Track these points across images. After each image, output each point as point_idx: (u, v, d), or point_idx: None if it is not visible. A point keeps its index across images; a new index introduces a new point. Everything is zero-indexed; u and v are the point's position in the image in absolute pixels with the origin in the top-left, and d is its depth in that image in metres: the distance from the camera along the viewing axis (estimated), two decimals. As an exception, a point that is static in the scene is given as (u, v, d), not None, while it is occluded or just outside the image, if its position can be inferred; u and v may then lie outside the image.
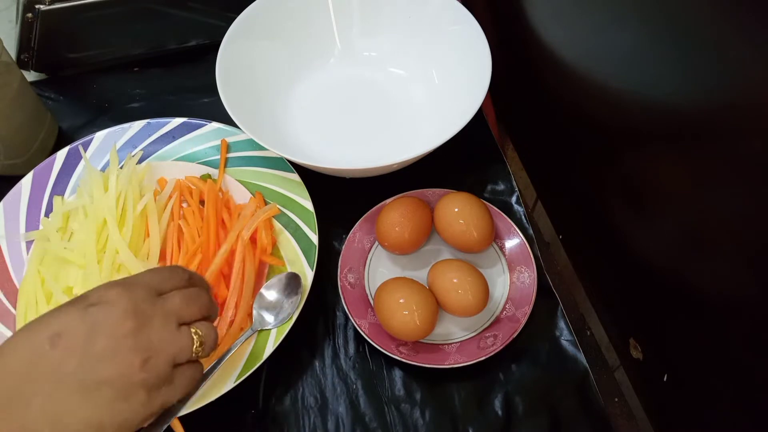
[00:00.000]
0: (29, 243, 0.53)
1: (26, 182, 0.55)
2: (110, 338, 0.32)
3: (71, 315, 0.32)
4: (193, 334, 0.35)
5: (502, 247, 0.53)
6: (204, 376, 0.41)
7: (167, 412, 0.37)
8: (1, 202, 0.54)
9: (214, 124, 0.58)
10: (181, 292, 0.36)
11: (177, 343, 0.34)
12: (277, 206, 0.53)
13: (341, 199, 0.56)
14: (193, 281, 0.38)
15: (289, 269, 0.50)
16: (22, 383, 0.31)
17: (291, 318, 0.47)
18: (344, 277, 0.51)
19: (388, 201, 0.54)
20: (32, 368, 0.31)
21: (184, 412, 0.42)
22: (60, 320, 0.32)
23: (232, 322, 0.47)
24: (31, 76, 0.66)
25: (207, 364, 0.42)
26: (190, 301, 0.36)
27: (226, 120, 0.53)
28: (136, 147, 0.57)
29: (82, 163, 0.56)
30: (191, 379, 0.35)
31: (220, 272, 0.50)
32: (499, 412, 0.47)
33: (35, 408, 0.30)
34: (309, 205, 0.52)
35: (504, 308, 0.50)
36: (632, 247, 0.47)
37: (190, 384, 0.35)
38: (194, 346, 0.35)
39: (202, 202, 0.54)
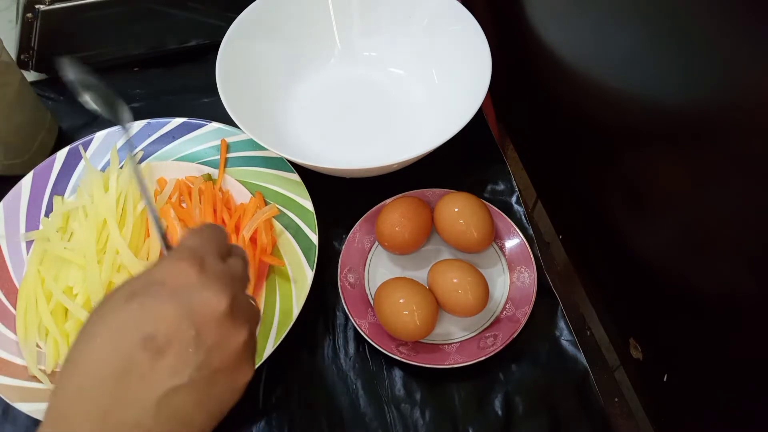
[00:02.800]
0: (29, 243, 0.53)
1: (26, 182, 0.55)
2: (216, 326, 0.29)
3: (162, 309, 0.29)
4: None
5: (502, 247, 0.53)
6: None
7: None
8: (1, 202, 0.54)
9: (214, 124, 0.58)
10: (239, 256, 0.34)
11: (256, 311, 0.34)
12: (277, 206, 0.53)
13: (341, 199, 0.56)
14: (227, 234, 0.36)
15: (290, 269, 0.50)
16: (121, 395, 0.27)
17: (291, 317, 0.47)
18: (344, 277, 0.51)
19: (388, 201, 0.54)
20: (127, 378, 0.27)
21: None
22: (149, 316, 0.29)
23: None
24: (31, 76, 0.66)
25: None
26: (245, 261, 0.35)
27: (226, 120, 0.53)
28: (136, 147, 0.57)
29: (82, 163, 0.56)
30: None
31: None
32: (499, 412, 0.47)
33: (149, 412, 0.27)
34: (309, 205, 0.52)
35: (504, 308, 0.50)
36: (632, 247, 0.47)
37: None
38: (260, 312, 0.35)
39: (202, 202, 0.54)
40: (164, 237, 0.36)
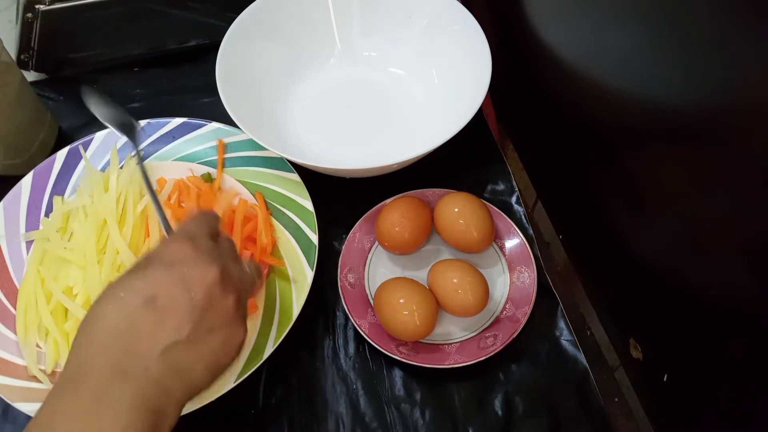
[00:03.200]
0: (29, 243, 0.53)
1: (26, 182, 0.55)
2: (206, 290, 0.34)
3: (159, 276, 0.34)
4: (248, 269, 0.39)
5: (502, 247, 0.53)
6: None
7: None
8: (1, 202, 0.54)
9: (214, 124, 0.58)
10: (227, 237, 0.40)
11: (249, 279, 0.38)
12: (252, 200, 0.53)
13: (341, 199, 0.56)
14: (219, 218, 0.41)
15: (290, 269, 0.50)
16: (133, 347, 0.31)
17: (291, 317, 0.47)
18: (344, 277, 0.51)
19: (388, 201, 0.54)
20: (136, 334, 0.32)
21: (184, 412, 0.43)
22: (149, 283, 0.33)
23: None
24: (31, 76, 0.66)
25: None
26: (233, 242, 0.40)
27: (226, 120, 0.53)
28: (142, 152, 0.57)
29: (82, 163, 0.56)
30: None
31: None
32: (499, 412, 0.47)
33: (159, 365, 0.31)
34: (309, 205, 0.52)
35: (504, 308, 0.50)
36: (632, 247, 0.47)
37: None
38: (254, 282, 0.39)
39: (202, 202, 0.54)
40: (166, 222, 0.42)
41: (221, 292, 0.34)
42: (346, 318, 0.51)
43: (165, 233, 0.43)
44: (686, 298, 0.41)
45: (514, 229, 0.53)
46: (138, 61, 0.68)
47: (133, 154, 0.55)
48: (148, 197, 0.52)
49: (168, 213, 0.52)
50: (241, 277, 0.37)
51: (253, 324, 0.48)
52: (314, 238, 0.51)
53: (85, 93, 0.50)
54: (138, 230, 0.51)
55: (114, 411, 0.30)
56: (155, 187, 0.45)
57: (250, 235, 0.52)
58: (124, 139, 0.57)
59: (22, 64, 0.64)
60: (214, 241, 0.37)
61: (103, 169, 0.56)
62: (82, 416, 0.29)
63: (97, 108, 0.52)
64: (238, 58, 0.57)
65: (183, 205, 0.54)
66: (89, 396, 0.30)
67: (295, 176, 0.54)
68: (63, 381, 0.32)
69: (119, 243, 0.49)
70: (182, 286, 0.33)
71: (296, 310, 0.47)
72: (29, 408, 0.44)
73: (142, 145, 0.57)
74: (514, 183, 0.58)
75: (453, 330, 0.50)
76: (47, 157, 0.56)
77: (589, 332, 0.55)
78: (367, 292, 0.51)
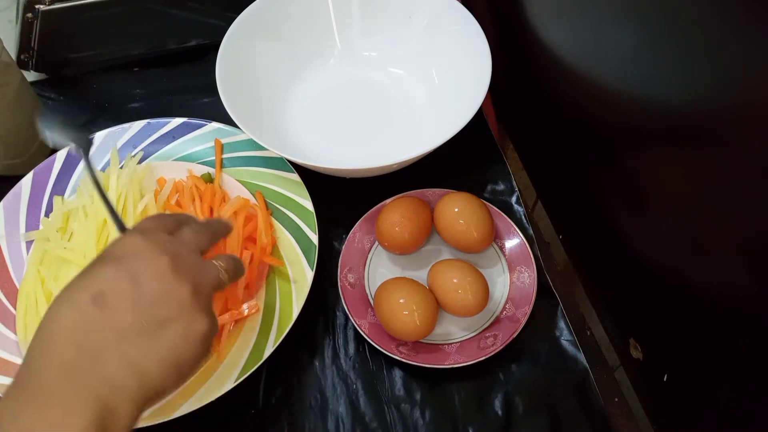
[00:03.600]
0: (29, 243, 0.53)
1: (26, 182, 0.55)
2: (156, 280, 0.33)
3: (107, 272, 0.33)
4: (215, 262, 0.37)
5: (502, 247, 0.53)
6: None
7: None
8: (1, 202, 0.54)
9: (214, 124, 0.58)
10: (189, 227, 0.38)
11: (209, 270, 0.36)
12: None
13: (341, 199, 0.56)
14: (184, 220, 0.39)
15: (290, 269, 0.50)
16: (82, 345, 0.31)
17: (291, 317, 0.47)
18: (344, 277, 0.51)
19: (388, 201, 0.54)
20: (85, 332, 0.31)
21: (183, 412, 0.43)
22: (97, 279, 0.33)
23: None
24: (31, 76, 0.66)
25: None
26: (199, 232, 0.38)
27: (226, 120, 0.53)
28: (136, 147, 0.57)
29: (82, 163, 0.56)
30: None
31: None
32: (499, 412, 0.47)
33: (110, 362, 0.30)
34: (309, 205, 0.52)
35: (504, 308, 0.50)
36: (632, 247, 0.47)
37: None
38: (220, 274, 0.37)
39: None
40: (119, 221, 0.40)
41: (174, 280, 0.33)
42: (346, 318, 0.51)
43: (119, 233, 0.40)
44: (686, 298, 0.41)
45: (514, 229, 0.53)
46: (138, 61, 0.68)
47: (122, 164, 0.53)
48: (148, 197, 0.52)
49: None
50: (200, 264, 0.36)
51: (253, 324, 0.48)
52: (314, 238, 0.51)
53: (42, 118, 0.45)
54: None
55: (62, 411, 0.29)
56: (101, 180, 0.42)
57: (250, 235, 0.52)
58: (124, 138, 0.57)
59: (22, 64, 0.64)
60: (169, 234, 0.36)
61: (103, 169, 0.56)
62: (30, 417, 0.29)
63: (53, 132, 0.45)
64: (238, 58, 0.57)
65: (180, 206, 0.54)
66: (39, 396, 0.29)
67: (295, 176, 0.54)
68: (14, 383, 0.31)
69: (119, 243, 0.49)
70: (130, 280, 0.32)
71: (296, 310, 0.47)
72: (29, 408, 0.44)
73: (142, 145, 0.57)
74: (514, 183, 0.58)
75: (453, 330, 0.50)
76: (47, 157, 0.56)
77: (589, 332, 0.55)
78: (367, 292, 0.51)
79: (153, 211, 0.52)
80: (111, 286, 0.32)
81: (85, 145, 0.44)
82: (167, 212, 0.40)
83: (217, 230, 0.40)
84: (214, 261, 0.37)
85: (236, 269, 0.38)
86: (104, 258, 0.34)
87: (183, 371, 0.33)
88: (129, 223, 0.51)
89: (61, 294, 0.33)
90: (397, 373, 0.49)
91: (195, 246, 0.37)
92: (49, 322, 0.32)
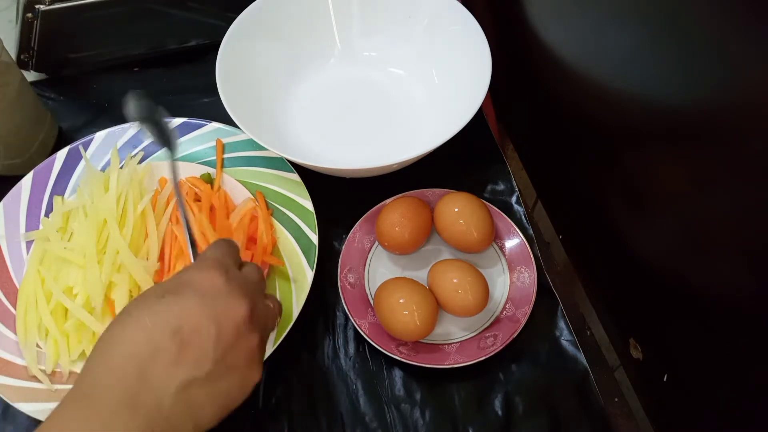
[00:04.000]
0: (29, 243, 0.53)
1: (26, 182, 0.55)
2: (234, 327, 0.32)
3: (189, 306, 0.32)
4: (272, 304, 0.38)
5: (502, 247, 0.53)
6: None
7: None
8: (1, 202, 0.54)
9: (214, 124, 0.58)
10: (254, 265, 0.38)
11: (273, 317, 0.38)
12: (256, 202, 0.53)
13: (341, 199, 0.56)
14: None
15: (290, 269, 0.50)
16: (149, 375, 0.30)
17: (291, 317, 0.47)
18: (344, 277, 0.51)
19: (388, 201, 0.54)
20: (155, 363, 0.30)
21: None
22: (178, 311, 0.32)
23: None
24: (31, 76, 0.66)
25: None
26: (260, 271, 0.38)
27: (226, 120, 0.53)
28: (136, 147, 0.57)
29: (82, 163, 0.56)
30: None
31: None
32: (499, 412, 0.47)
33: (174, 401, 0.30)
34: (309, 205, 0.52)
35: (504, 308, 0.50)
36: (632, 247, 0.47)
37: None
38: (277, 320, 0.38)
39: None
40: (193, 244, 0.42)
41: (248, 330, 0.33)
42: (346, 318, 0.51)
43: (191, 257, 0.42)
44: (686, 298, 0.41)
45: (514, 229, 0.53)
46: (138, 61, 0.68)
47: (122, 164, 0.54)
48: (148, 197, 0.52)
49: (158, 229, 0.51)
50: (267, 313, 0.36)
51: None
52: (314, 238, 0.51)
53: (129, 99, 0.47)
54: (138, 230, 0.51)
55: None
56: (187, 205, 0.44)
57: (250, 236, 0.52)
58: (124, 138, 0.57)
59: (22, 64, 0.64)
60: (240, 270, 0.37)
61: (103, 169, 0.56)
62: None
63: (139, 116, 0.47)
64: (238, 58, 0.57)
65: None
66: (96, 420, 0.29)
67: (295, 176, 0.54)
68: (73, 397, 0.31)
69: (119, 243, 0.49)
70: (211, 320, 0.32)
71: (296, 310, 0.47)
72: (29, 408, 0.44)
73: (142, 145, 0.57)
74: (514, 183, 0.58)
75: (453, 330, 0.50)
76: (47, 157, 0.56)
77: (589, 332, 0.55)
78: (367, 292, 0.51)
79: (150, 211, 0.52)
80: (192, 324, 0.32)
81: (173, 149, 0.45)
82: (227, 239, 0.40)
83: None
84: (269, 299, 0.38)
85: (280, 310, 0.40)
86: (185, 288, 0.33)
87: (226, 414, 0.33)
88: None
89: (131, 314, 0.32)
90: (397, 373, 0.49)
91: (263, 288, 0.38)
92: (117, 342, 0.31)
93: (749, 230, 0.33)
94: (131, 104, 0.46)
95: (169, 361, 0.31)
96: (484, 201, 0.52)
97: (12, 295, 0.50)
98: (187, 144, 0.58)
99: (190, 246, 0.42)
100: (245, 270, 0.37)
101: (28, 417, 0.45)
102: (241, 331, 0.33)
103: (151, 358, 0.30)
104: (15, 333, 0.48)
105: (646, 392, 0.50)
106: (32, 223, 0.54)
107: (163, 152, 0.57)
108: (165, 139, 0.47)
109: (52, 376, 0.46)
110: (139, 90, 0.47)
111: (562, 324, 0.51)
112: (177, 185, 0.44)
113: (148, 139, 0.49)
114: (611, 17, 0.41)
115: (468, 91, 0.54)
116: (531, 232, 0.55)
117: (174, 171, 0.44)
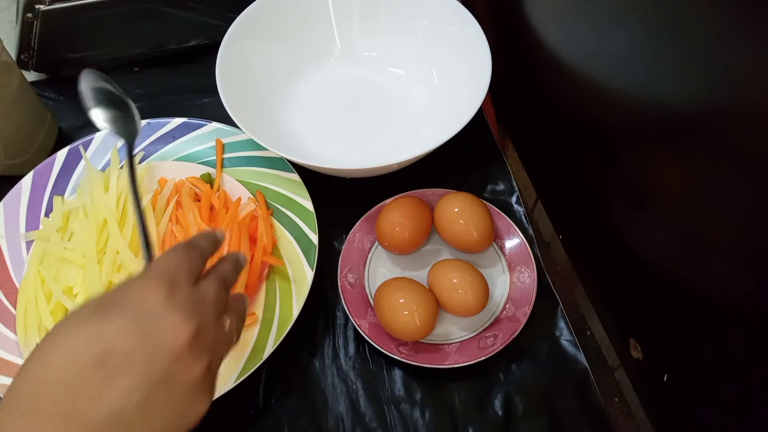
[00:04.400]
0: (29, 243, 0.53)
1: (26, 182, 0.55)
2: (172, 354, 0.29)
3: (119, 328, 0.28)
4: (228, 325, 0.33)
5: (502, 247, 0.53)
6: None
7: None
8: (1, 202, 0.54)
9: (214, 124, 0.58)
10: (216, 278, 0.33)
11: (227, 339, 0.33)
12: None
13: (341, 199, 0.56)
14: (211, 248, 0.35)
15: (290, 269, 0.50)
16: (71, 405, 0.27)
17: (291, 317, 0.47)
18: (344, 277, 0.51)
19: (388, 201, 0.54)
20: (78, 391, 0.27)
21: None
22: (105, 333, 0.28)
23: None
24: (31, 76, 0.66)
25: None
26: (225, 284, 0.34)
27: (226, 120, 0.53)
28: (136, 147, 0.57)
29: (82, 163, 0.56)
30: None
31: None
32: (499, 412, 0.47)
33: (98, 423, 0.27)
34: (309, 205, 0.52)
35: (504, 308, 0.50)
36: (632, 246, 0.47)
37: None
38: (233, 340, 0.33)
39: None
40: (149, 248, 0.36)
41: (190, 357, 0.29)
42: (346, 318, 0.51)
43: (146, 262, 0.35)
44: (686, 298, 0.41)
45: (514, 229, 0.53)
46: (138, 61, 0.68)
47: (121, 164, 0.53)
48: (148, 197, 0.52)
49: (158, 229, 0.50)
50: (218, 338, 0.31)
51: (253, 324, 0.48)
52: (314, 238, 0.51)
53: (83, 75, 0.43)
54: (138, 230, 0.51)
55: None
56: (142, 203, 0.39)
57: (251, 236, 0.52)
58: (121, 144, 0.57)
59: (22, 64, 0.64)
60: (194, 284, 0.32)
61: (103, 169, 0.56)
62: None
63: (87, 89, 0.44)
64: (238, 58, 0.57)
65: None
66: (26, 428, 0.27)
67: (295, 176, 0.54)
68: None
69: (119, 243, 0.49)
70: (144, 346, 0.28)
71: (296, 310, 0.47)
72: (29, 408, 0.44)
73: (142, 145, 0.57)
74: (514, 183, 0.58)
75: (453, 330, 0.50)
76: (47, 157, 0.56)
77: (589, 332, 0.55)
78: (367, 292, 0.51)
79: (150, 211, 0.52)
80: (121, 350, 0.28)
81: (131, 139, 0.41)
82: (189, 243, 0.34)
83: (242, 263, 0.37)
84: (227, 320, 0.33)
85: (242, 321, 0.35)
86: (118, 305, 0.29)
87: None
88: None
89: (61, 330, 0.29)
90: (397, 373, 0.49)
91: (220, 308, 0.32)
92: (46, 366, 0.28)
93: (749, 230, 0.33)
94: (84, 86, 0.42)
95: (94, 388, 0.27)
96: (484, 201, 0.52)
97: (12, 295, 0.50)
98: (187, 144, 0.58)
99: (145, 251, 0.36)
100: (202, 285, 0.32)
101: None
102: (180, 360, 0.29)
103: (77, 388, 0.27)
104: (15, 333, 0.48)
105: (646, 392, 0.50)
106: (32, 223, 0.54)
107: (163, 152, 0.57)
108: (125, 122, 0.43)
109: (52, 376, 0.46)
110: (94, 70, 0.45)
111: (562, 324, 0.51)
112: (134, 178, 0.40)
113: (103, 125, 0.46)
114: (611, 17, 0.41)
115: (468, 91, 0.54)
116: (531, 232, 0.55)
117: (131, 159, 0.40)
